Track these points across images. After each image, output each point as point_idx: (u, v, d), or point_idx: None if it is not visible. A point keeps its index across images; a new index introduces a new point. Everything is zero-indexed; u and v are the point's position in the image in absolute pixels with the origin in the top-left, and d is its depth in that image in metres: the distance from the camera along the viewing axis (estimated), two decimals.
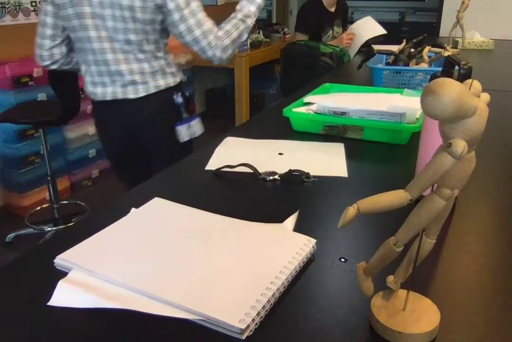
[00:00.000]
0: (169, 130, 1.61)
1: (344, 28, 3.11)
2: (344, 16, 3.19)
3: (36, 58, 1.61)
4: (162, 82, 1.55)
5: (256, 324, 0.50)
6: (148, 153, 1.68)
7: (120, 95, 1.53)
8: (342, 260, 0.62)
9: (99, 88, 1.55)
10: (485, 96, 0.42)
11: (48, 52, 1.56)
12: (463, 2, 2.45)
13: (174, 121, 1.60)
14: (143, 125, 1.59)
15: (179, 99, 1.60)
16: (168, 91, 1.57)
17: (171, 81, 1.58)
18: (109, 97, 1.54)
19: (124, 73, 1.50)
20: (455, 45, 2.62)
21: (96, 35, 1.46)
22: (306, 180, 0.87)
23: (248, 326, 0.49)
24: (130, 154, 1.71)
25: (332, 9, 3.02)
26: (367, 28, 2.79)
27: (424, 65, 1.64)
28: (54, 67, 1.62)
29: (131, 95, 1.53)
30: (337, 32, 3.07)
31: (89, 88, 1.57)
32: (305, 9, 3.01)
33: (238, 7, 1.53)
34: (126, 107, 1.56)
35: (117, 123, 1.61)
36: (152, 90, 1.54)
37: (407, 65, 1.63)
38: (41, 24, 1.53)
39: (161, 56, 1.53)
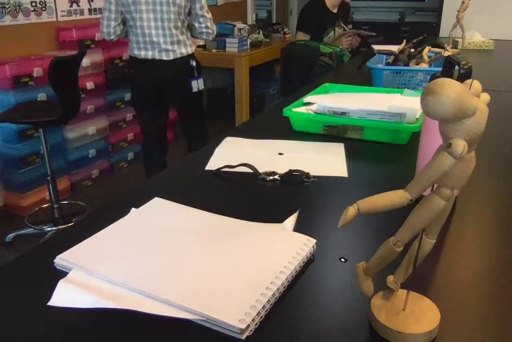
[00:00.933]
0: (185, 83, 2.46)
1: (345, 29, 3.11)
2: (346, 17, 3.19)
3: (103, 35, 2.40)
4: (184, 51, 2.43)
5: (256, 324, 0.50)
6: (166, 98, 2.55)
7: (157, 57, 2.38)
8: (342, 260, 0.62)
9: (142, 51, 2.38)
10: (485, 96, 0.42)
11: (113, 30, 2.36)
12: (463, 2, 2.45)
13: (188, 78, 2.47)
14: (168, 78, 2.44)
15: (193, 63, 2.47)
16: (187, 57, 2.45)
17: (189, 50, 2.47)
18: (149, 57, 2.38)
19: (161, 43, 2.35)
20: (455, 45, 2.62)
21: (146, 17, 2.30)
22: (306, 180, 0.87)
23: (248, 326, 0.49)
24: (153, 98, 2.53)
25: (335, 10, 3.03)
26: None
27: (424, 65, 1.63)
28: (116, 39, 2.42)
29: (164, 58, 2.39)
30: (338, 33, 3.08)
31: (135, 51, 2.40)
32: (308, 9, 3.02)
33: None
34: (159, 66, 2.40)
35: (150, 76, 2.43)
36: (178, 56, 2.41)
37: (407, 65, 1.63)
38: (107, 11, 2.32)
39: (185, 32, 2.44)
